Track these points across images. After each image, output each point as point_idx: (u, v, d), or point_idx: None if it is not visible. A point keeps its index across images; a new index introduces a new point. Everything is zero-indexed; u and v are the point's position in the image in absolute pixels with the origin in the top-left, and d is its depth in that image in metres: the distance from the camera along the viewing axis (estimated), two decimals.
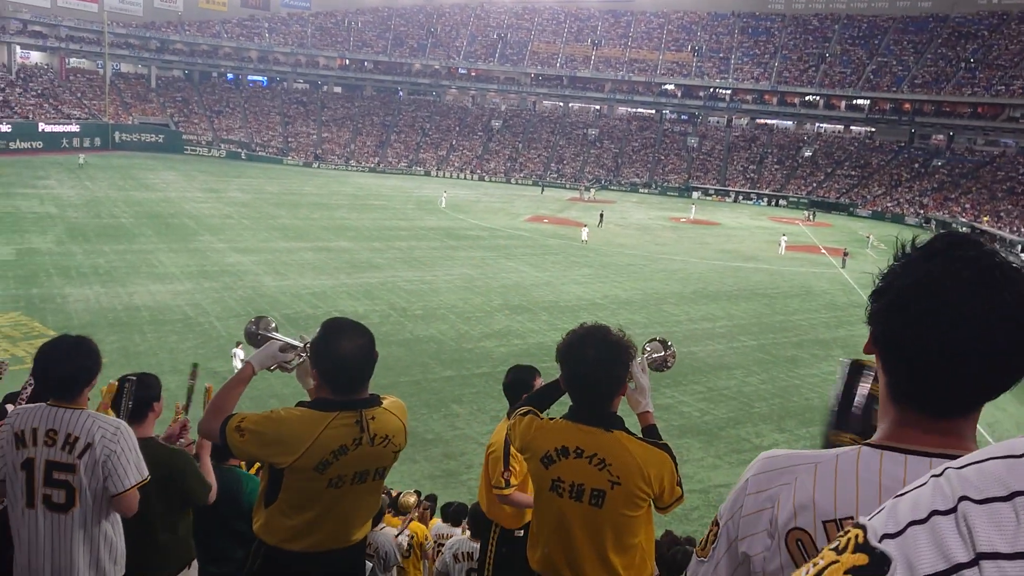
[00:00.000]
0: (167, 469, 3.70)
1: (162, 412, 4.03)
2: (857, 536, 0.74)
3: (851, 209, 66.64)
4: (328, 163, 76.73)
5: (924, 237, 1.25)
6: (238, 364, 17.65)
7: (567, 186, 73.12)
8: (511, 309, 26.40)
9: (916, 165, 71.65)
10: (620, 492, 2.89)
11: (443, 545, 6.40)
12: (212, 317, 23.05)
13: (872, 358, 2.34)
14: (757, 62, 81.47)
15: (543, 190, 69.60)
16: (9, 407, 4.01)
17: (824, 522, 1.31)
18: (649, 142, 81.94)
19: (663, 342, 3.58)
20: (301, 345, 3.24)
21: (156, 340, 20.57)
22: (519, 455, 3.37)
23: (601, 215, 49.00)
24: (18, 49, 74.39)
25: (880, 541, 0.72)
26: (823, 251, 44.39)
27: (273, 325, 3.54)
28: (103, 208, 40.02)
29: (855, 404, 1.76)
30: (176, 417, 4.14)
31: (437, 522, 8.32)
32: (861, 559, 0.71)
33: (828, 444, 1.68)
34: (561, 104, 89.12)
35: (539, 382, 4.23)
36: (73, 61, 79.77)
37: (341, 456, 2.87)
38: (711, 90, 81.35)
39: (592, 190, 68.47)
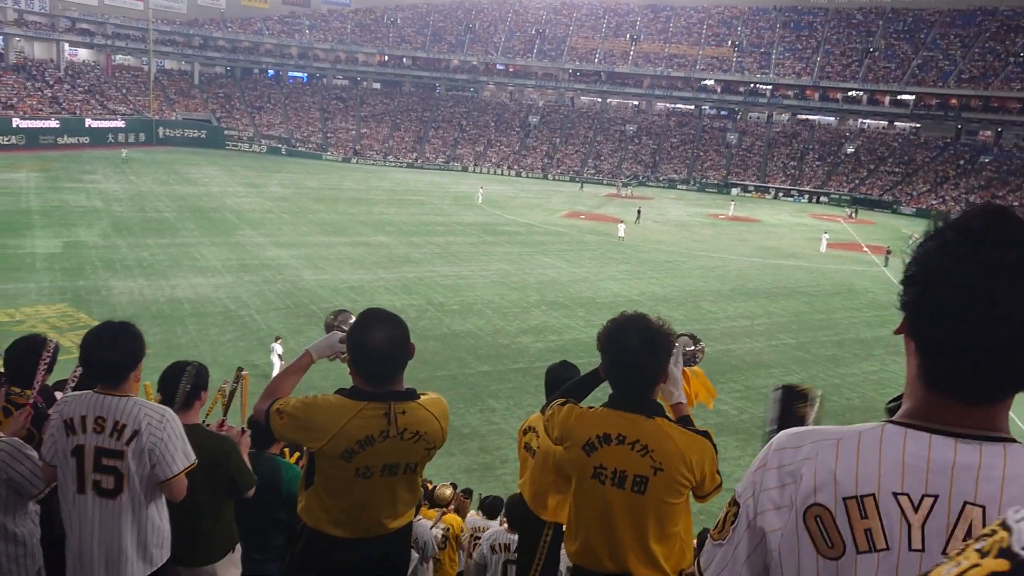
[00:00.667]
0: (213, 456, 3.75)
1: (206, 402, 4.10)
2: (1002, 540, 0.71)
3: (894, 207, 65.43)
4: (366, 159, 77.27)
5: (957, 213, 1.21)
6: (275, 359, 17.88)
7: (604, 182, 72.81)
8: (547, 305, 26.38)
9: (962, 162, 70.09)
10: (662, 478, 2.90)
11: (479, 538, 6.43)
12: (252, 310, 23.37)
13: (806, 385, 2.34)
14: (799, 57, 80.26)
15: (582, 186, 69.32)
16: (58, 394, 4.11)
17: (845, 499, 1.29)
18: (688, 138, 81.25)
19: (693, 336, 3.65)
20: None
21: (197, 332, 20.91)
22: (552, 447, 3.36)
23: (639, 211, 48.70)
24: (66, 46, 76.07)
25: None
26: (865, 249, 43.66)
27: (352, 320, 3.60)
28: (147, 202, 40.78)
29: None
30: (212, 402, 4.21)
31: (473, 515, 8.37)
32: (1002, 565, 0.68)
33: None
34: (599, 100, 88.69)
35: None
36: (119, 58, 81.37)
37: (368, 447, 2.86)
38: (751, 86, 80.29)
39: (629, 187, 68.10)
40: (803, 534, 1.33)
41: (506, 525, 5.63)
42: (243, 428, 4.27)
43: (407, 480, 3.05)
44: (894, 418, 1.33)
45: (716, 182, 73.29)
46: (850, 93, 76.25)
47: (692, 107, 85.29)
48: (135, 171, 53.16)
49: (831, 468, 1.31)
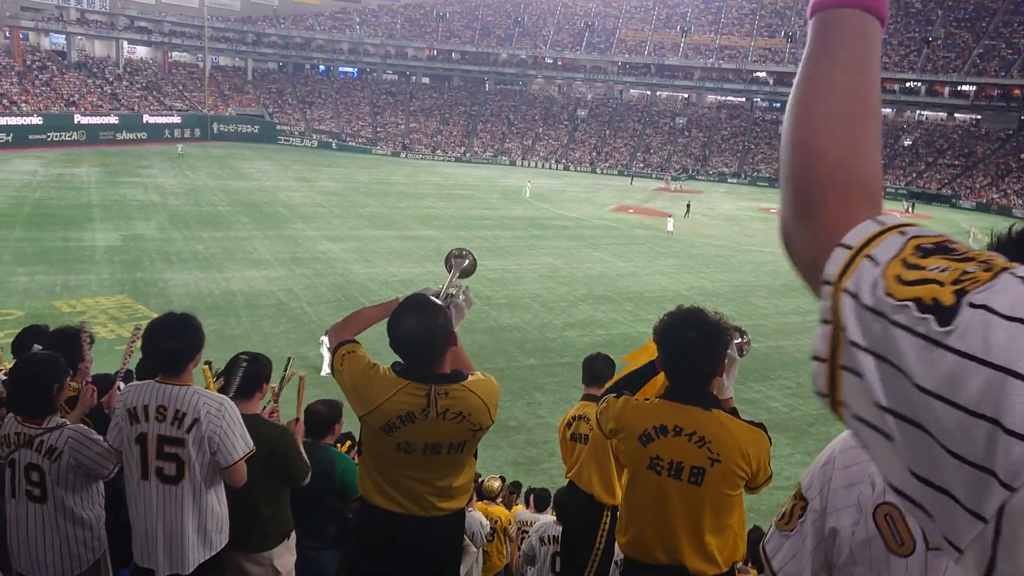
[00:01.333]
0: (271, 445, 3.84)
1: (266, 393, 4.20)
2: None
3: (953, 201, 63.64)
4: (415, 153, 77.76)
5: None
6: (325, 351, 18.08)
7: (653, 176, 72.17)
8: (595, 299, 26.29)
9: None
10: (719, 469, 2.92)
11: (526, 531, 6.47)
12: (303, 303, 23.74)
13: None
14: None
15: (632, 180, 68.74)
16: (121, 384, 4.24)
17: None
18: (739, 131, 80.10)
19: (739, 329, 3.62)
20: (443, 299, 3.26)
21: (251, 324, 21.32)
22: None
23: (688, 205, 48.21)
24: (125, 44, 78.04)
25: None
26: None
27: (466, 263, 3.62)
28: (202, 196, 41.65)
29: None
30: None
31: (520, 508, 8.43)
32: None
33: None
34: (648, 92, 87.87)
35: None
36: (175, 55, 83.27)
37: (408, 423, 2.87)
38: None
39: (679, 181, 67.40)
40: (873, 530, 1.34)
41: (555, 517, 5.67)
42: (296, 418, 4.37)
43: (453, 460, 3.02)
44: None
45: (768, 175, 72.02)
46: (908, 84, 74.27)
47: (743, 99, 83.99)
48: (190, 166, 54.34)
49: None
